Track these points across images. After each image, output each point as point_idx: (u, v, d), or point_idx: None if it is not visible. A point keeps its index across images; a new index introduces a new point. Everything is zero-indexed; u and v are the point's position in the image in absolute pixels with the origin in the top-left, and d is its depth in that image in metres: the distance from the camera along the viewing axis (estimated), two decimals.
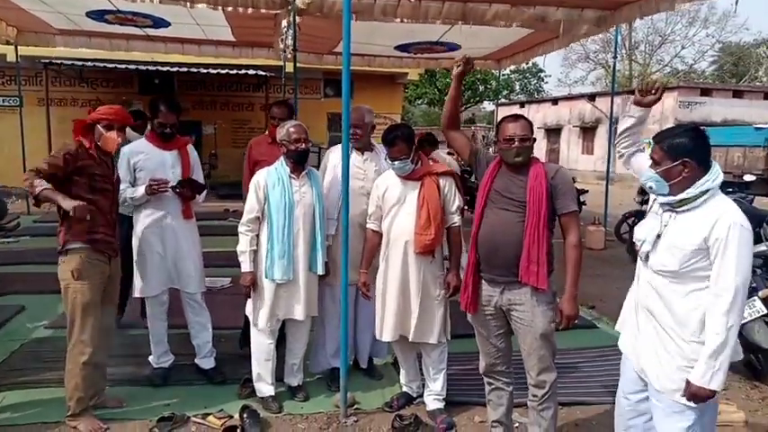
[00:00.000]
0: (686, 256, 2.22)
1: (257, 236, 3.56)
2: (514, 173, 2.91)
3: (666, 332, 2.31)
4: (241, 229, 3.57)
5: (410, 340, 3.45)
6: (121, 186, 3.80)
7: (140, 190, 3.77)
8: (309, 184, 3.61)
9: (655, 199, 2.42)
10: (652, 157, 2.35)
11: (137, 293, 3.96)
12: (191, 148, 4.11)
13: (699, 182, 2.23)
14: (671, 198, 2.29)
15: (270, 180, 3.53)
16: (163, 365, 4.01)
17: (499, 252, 2.88)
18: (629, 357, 2.54)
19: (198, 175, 4.07)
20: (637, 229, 2.47)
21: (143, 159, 3.85)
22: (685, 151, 2.25)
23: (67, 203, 3.04)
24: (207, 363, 4.07)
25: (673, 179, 2.27)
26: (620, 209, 11.04)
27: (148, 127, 4.25)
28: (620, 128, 2.72)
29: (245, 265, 3.53)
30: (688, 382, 2.20)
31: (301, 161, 3.58)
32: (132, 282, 4.27)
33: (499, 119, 3.37)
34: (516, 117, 2.96)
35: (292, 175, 3.56)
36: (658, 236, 2.33)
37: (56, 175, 3.14)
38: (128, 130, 3.74)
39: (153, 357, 4.03)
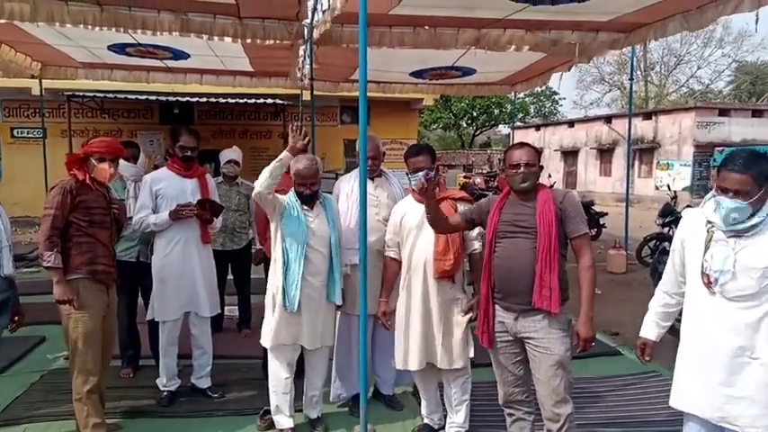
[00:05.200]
0: (763, 275, 2.22)
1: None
2: (523, 201, 2.92)
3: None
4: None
5: (438, 366, 3.38)
6: (143, 213, 3.93)
7: (164, 216, 3.90)
8: (324, 213, 3.60)
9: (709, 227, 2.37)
10: (730, 189, 2.26)
11: (155, 317, 4.04)
12: (209, 177, 4.30)
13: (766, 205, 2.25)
14: (744, 225, 2.26)
15: (285, 210, 3.49)
16: (170, 389, 4.10)
17: (514, 280, 2.87)
18: (700, 412, 2.40)
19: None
20: (709, 261, 2.34)
21: (164, 187, 4.01)
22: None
23: (59, 292, 3.20)
24: (204, 382, 4.21)
25: (757, 205, 2.25)
26: (641, 231, 10.89)
27: (156, 156, 4.35)
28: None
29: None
30: None
31: (307, 202, 3.52)
32: (139, 341, 4.57)
33: (514, 142, 3.38)
34: (522, 144, 3.00)
35: (305, 207, 3.53)
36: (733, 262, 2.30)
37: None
38: (121, 161, 3.78)
39: (161, 381, 4.10)
